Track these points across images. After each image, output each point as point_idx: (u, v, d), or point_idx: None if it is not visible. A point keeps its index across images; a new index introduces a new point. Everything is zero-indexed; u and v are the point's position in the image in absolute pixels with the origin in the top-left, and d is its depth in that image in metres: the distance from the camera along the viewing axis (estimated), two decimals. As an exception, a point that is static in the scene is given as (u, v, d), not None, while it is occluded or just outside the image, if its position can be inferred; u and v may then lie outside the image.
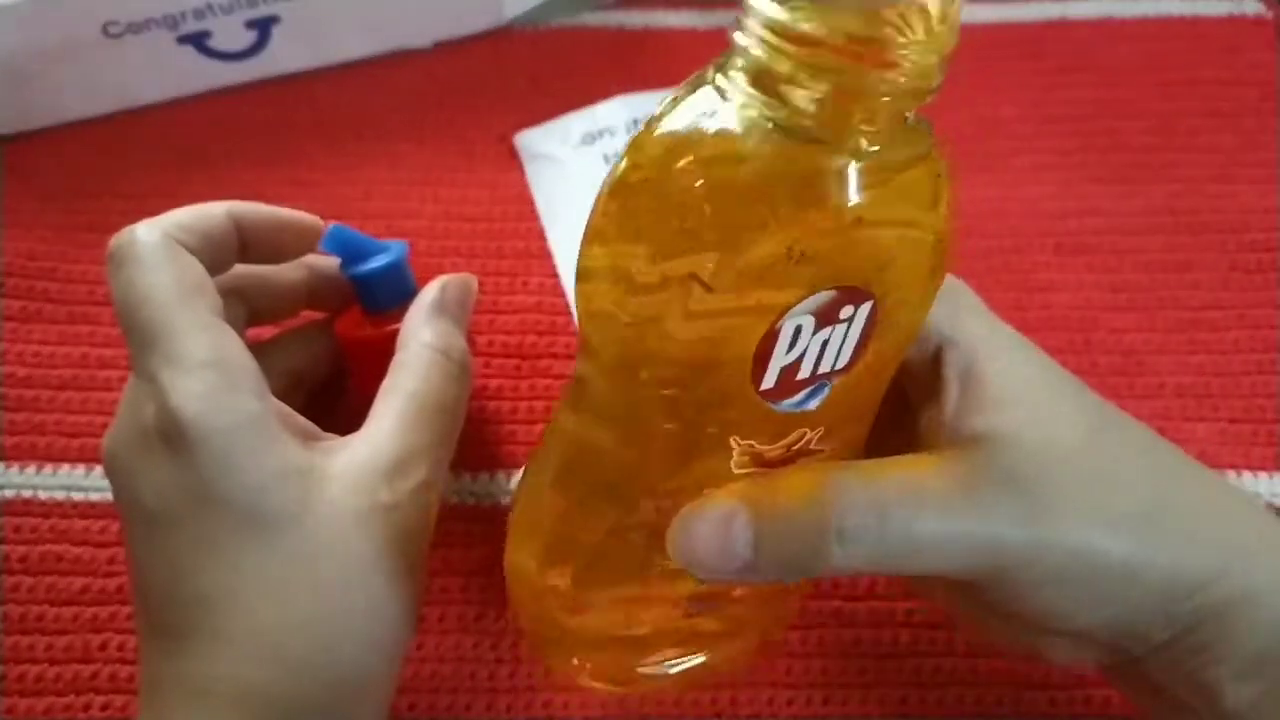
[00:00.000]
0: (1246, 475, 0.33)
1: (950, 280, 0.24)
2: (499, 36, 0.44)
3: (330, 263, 0.30)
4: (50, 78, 0.39)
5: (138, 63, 0.39)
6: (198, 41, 0.40)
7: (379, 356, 0.27)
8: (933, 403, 0.23)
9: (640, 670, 0.28)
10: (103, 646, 0.30)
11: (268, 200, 0.28)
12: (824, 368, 0.21)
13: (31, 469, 0.33)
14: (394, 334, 0.28)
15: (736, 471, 0.22)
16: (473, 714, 0.29)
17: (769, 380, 0.20)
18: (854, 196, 0.19)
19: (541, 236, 0.38)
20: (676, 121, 0.19)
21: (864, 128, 0.18)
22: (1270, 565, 0.22)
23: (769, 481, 0.22)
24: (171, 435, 0.22)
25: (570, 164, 0.40)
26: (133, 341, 0.24)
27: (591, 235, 0.21)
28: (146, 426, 0.23)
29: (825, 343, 0.20)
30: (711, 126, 0.19)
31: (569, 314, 0.36)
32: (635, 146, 0.20)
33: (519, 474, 0.33)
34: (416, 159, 0.40)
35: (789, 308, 0.19)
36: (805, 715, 0.29)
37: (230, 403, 0.23)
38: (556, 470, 0.25)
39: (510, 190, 0.40)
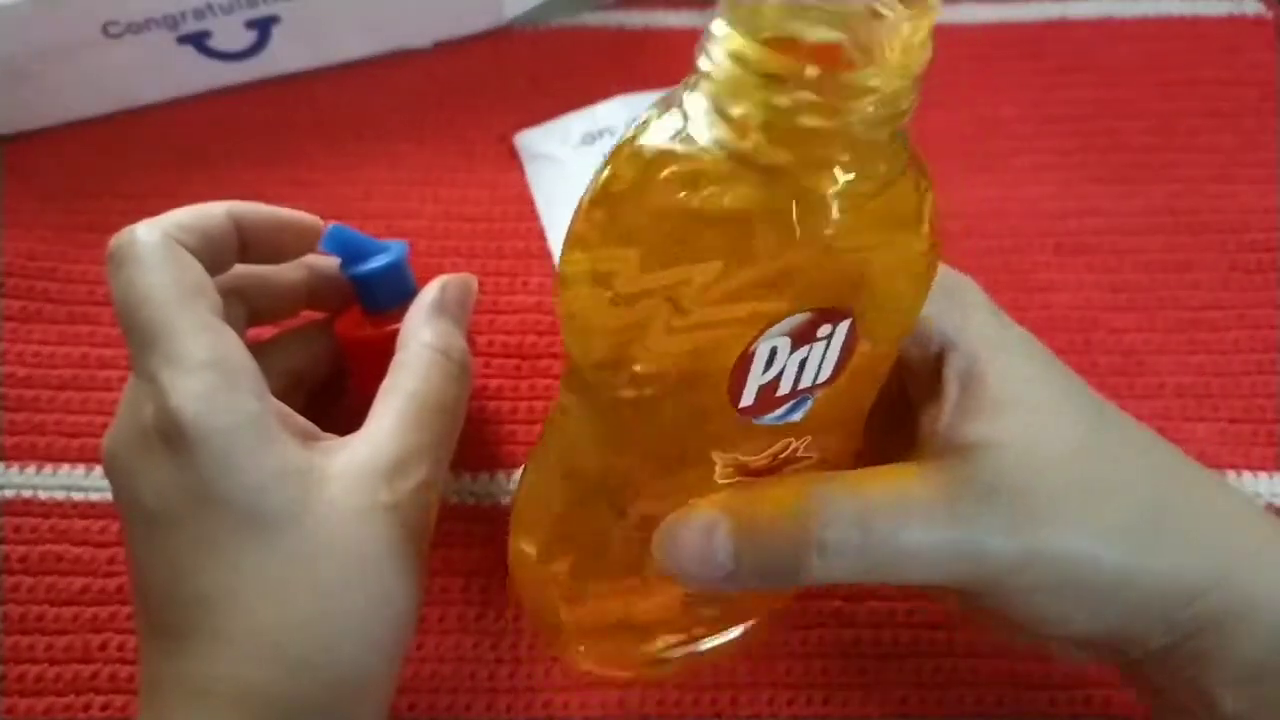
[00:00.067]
0: (1246, 475, 0.33)
1: (957, 278, 0.24)
2: (499, 36, 0.44)
3: (330, 263, 0.30)
4: (50, 78, 0.39)
5: (138, 63, 0.39)
6: (198, 41, 0.40)
7: (379, 356, 0.27)
8: (933, 404, 0.23)
9: (642, 656, 0.28)
10: (103, 646, 0.30)
11: (268, 200, 0.28)
12: (805, 383, 0.20)
13: (31, 469, 0.33)
14: (394, 334, 0.28)
15: (721, 481, 0.22)
16: (473, 714, 0.29)
17: (747, 398, 0.20)
18: (822, 225, 0.18)
19: (541, 236, 0.38)
20: (648, 140, 0.19)
21: (832, 156, 0.18)
22: (1270, 573, 0.22)
23: (752, 492, 0.22)
24: (171, 435, 0.22)
25: (570, 164, 0.40)
26: (132, 341, 0.24)
27: (571, 242, 0.20)
28: (146, 426, 0.23)
29: (804, 360, 0.20)
30: (679, 150, 0.18)
31: (569, 314, 0.36)
32: (612, 161, 0.20)
33: (519, 474, 0.33)
34: (416, 159, 0.40)
35: (762, 331, 0.19)
36: (805, 715, 0.29)
37: (230, 403, 0.23)
38: (552, 468, 0.25)
39: (510, 190, 0.40)
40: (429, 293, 0.29)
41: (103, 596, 0.31)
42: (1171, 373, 0.35)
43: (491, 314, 0.36)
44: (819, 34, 0.18)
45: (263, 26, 0.40)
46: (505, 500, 0.33)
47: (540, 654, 0.30)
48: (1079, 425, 0.22)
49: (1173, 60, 0.43)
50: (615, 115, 0.41)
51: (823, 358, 0.20)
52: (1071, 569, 0.21)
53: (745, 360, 0.19)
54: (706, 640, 0.28)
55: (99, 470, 0.32)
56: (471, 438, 0.32)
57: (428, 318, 0.28)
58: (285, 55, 0.42)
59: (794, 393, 0.21)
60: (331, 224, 0.29)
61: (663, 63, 0.43)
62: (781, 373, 0.20)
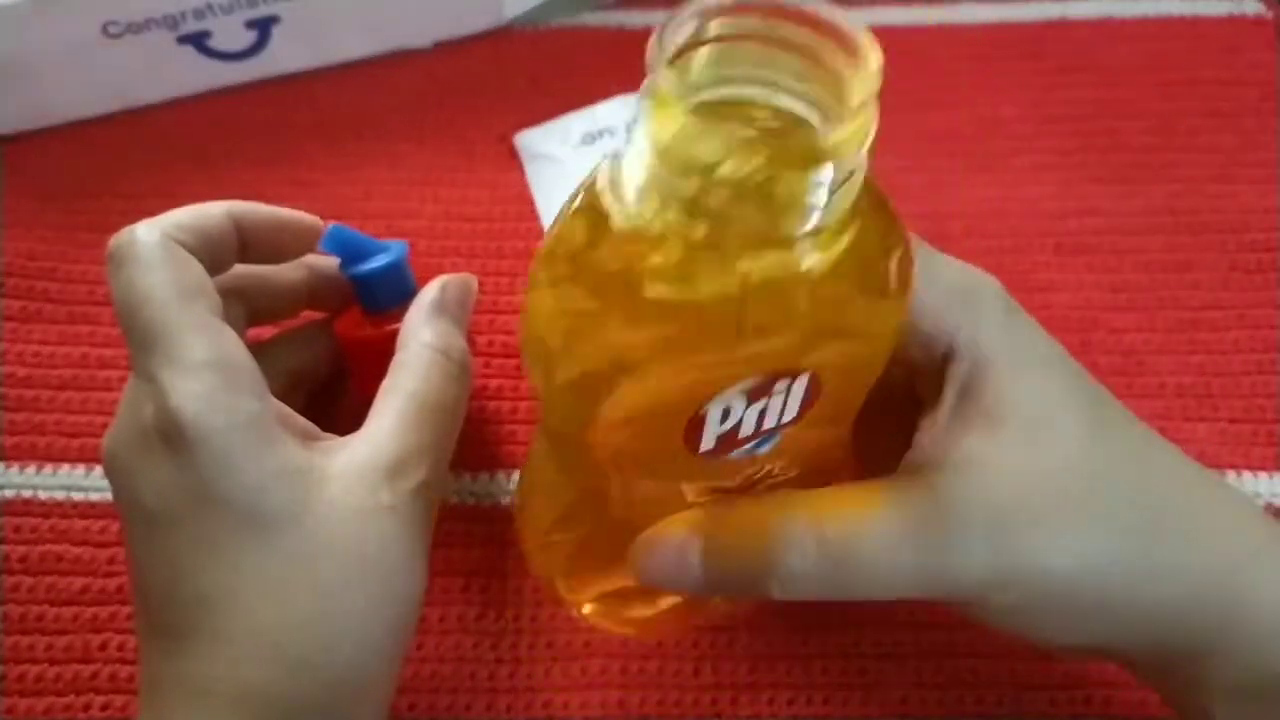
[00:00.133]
0: (1246, 475, 0.33)
1: (974, 279, 0.24)
2: (499, 36, 0.44)
3: (330, 263, 0.30)
4: (50, 78, 0.39)
5: (138, 63, 0.39)
6: (198, 41, 0.40)
7: (379, 356, 0.27)
8: (931, 410, 0.23)
9: (645, 613, 0.29)
10: (103, 646, 0.30)
11: (268, 200, 0.28)
12: (768, 425, 0.20)
13: (31, 469, 0.33)
14: (394, 334, 0.28)
15: (691, 500, 0.23)
16: (473, 714, 0.29)
17: (706, 444, 0.20)
18: (769, 308, 0.18)
19: (541, 236, 0.38)
20: (596, 204, 0.18)
21: (777, 233, 0.17)
22: (1264, 593, 0.22)
23: (720, 513, 0.23)
24: (171, 435, 0.22)
25: (570, 164, 0.40)
26: (132, 342, 0.24)
27: (528, 290, 0.20)
28: (146, 427, 0.23)
29: (763, 410, 0.20)
30: (620, 221, 0.18)
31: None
32: (562, 219, 0.19)
33: (519, 474, 0.33)
34: (416, 159, 0.40)
35: (710, 398, 0.19)
36: (805, 715, 0.29)
37: (230, 403, 0.23)
38: (539, 469, 0.25)
39: (510, 190, 0.40)
40: (429, 293, 0.29)
41: (103, 596, 0.31)
42: (1171, 373, 0.35)
43: (491, 314, 0.36)
44: (756, 100, 0.17)
45: (263, 26, 0.40)
46: (505, 500, 0.33)
47: (540, 654, 0.30)
48: (1073, 442, 0.22)
49: (1173, 60, 0.43)
50: (615, 115, 0.41)
51: (784, 406, 0.20)
52: (1054, 589, 0.21)
53: (697, 421, 0.19)
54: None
55: (99, 470, 0.32)
56: (471, 438, 0.32)
57: (428, 318, 0.28)
58: (285, 55, 0.42)
59: (758, 433, 0.20)
60: (331, 224, 0.29)
61: (663, 63, 0.43)
62: (740, 422, 0.20)
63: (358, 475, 0.24)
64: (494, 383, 0.35)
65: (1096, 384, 0.24)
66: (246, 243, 0.27)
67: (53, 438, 0.33)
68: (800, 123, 0.17)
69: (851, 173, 0.17)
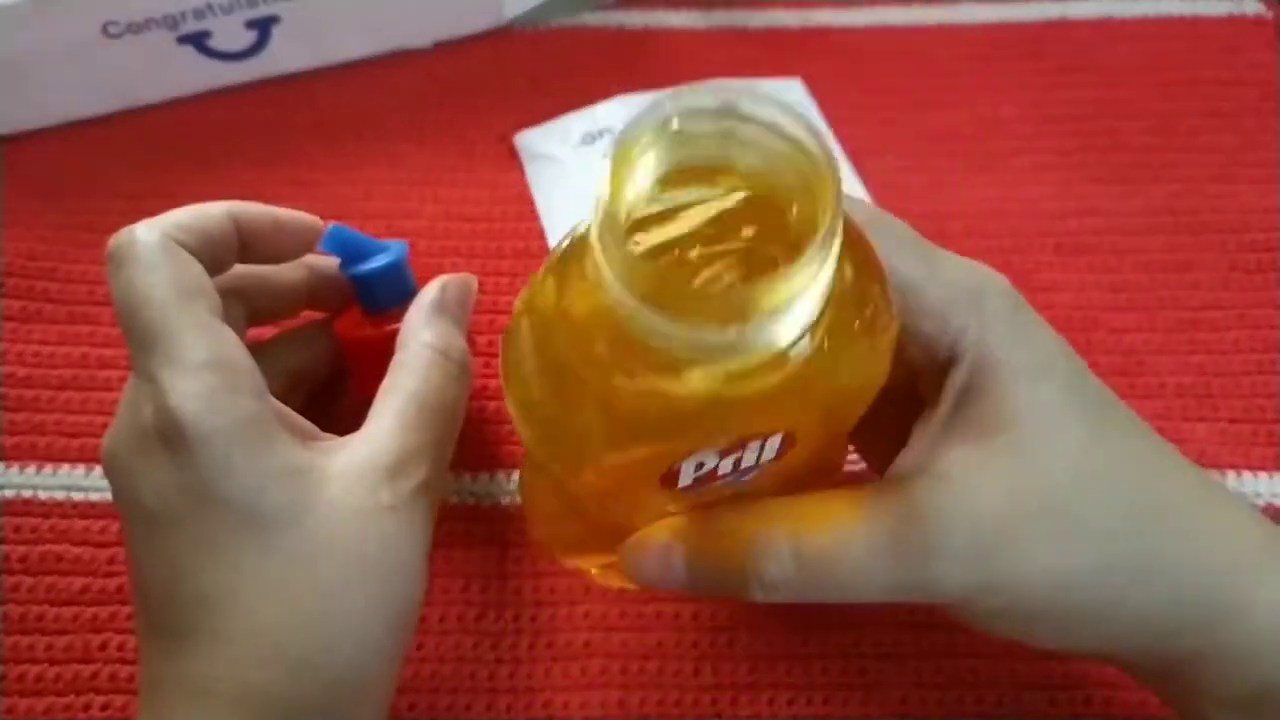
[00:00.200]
0: (1246, 475, 0.33)
1: (983, 279, 0.23)
2: (499, 36, 0.44)
3: (330, 263, 0.30)
4: (50, 78, 0.39)
5: (138, 63, 0.39)
6: (198, 41, 0.40)
7: (379, 356, 0.27)
8: (929, 414, 0.23)
9: None
10: (103, 646, 0.30)
11: (268, 200, 0.28)
12: (746, 464, 0.20)
13: (31, 469, 0.33)
14: (394, 334, 0.28)
15: (675, 511, 0.23)
16: (473, 714, 0.29)
17: (684, 483, 0.20)
18: (738, 411, 0.18)
19: (541, 236, 0.38)
20: (573, 271, 0.18)
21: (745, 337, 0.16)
22: (1261, 597, 0.22)
23: (703, 520, 0.23)
24: (171, 436, 0.22)
25: (570, 164, 0.40)
26: (132, 342, 0.24)
27: (504, 341, 0.20)
28: (146, 427, 0.23)
29: (738, 460, 0.20)
30: (595, 295, 0.17)
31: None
32: (530, 294, 0.19)
33: (518, 474, 0.33)
34: (416, 159, 0.40)
35: (682, 459, 0.19)
36: (805, 715, 0.29)
37: (229, 403, 0.23)
38: (534, 478, 0.25)
39: (510, 190, 0.40)
40: (429, 293, 0.29)
41: (103, 596, 0.31)
42: (1171, 373, 0.35)
43: (491, 314, 0.36)
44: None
45: (263, 26, 0.40)
46: (505, 500, 0.33)
47: (540, 654, 0.30)
48: (1069, 453, 0.22)
49: (1173, 60, 0.43)
50: (615, 115, 0.41)
51: (759, 456, 0.20)
52: (1035, 600, 0.21)
53: (671, 474, 0.20)
54: None
55: (99, 470, 0.32)
56: (471, 438, 0.32)
57: (428, 318, 0.28)
58: (285, 55, 0.42)
59: (736, 471, 0.21)
60: (331, 224, 0.29)
61: (663, 63, 0.43)
62: (716, 468, 0.20)
63: (358, 475, 0.24)
64: (494, 383, 0.35)
65: (1100, 386, 0.23)
66: (246, 243, 0.27)
67: (53, 438, 0.33)
68: (771, 186, 0.17)
69: (821, 278, 0.16)
